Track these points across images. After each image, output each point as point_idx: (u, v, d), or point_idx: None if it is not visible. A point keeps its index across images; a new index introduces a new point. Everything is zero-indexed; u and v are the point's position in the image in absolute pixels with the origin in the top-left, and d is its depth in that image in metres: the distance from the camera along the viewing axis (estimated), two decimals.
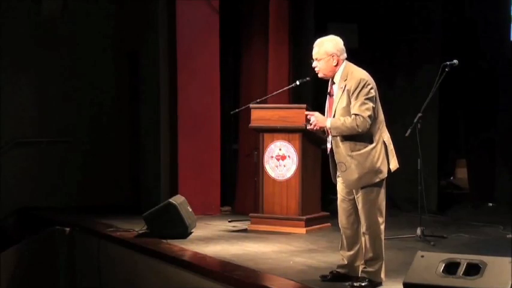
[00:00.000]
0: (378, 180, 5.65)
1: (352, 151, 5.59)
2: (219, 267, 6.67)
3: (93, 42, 10.96)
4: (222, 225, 8.87)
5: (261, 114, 8.45)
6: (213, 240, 7.93)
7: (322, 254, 7.04)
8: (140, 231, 8.12)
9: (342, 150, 5.62)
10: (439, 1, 9.80)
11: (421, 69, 9.51)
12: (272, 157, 8.43)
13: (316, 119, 5.66)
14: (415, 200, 8.21)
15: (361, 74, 5.65)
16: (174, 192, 9.07)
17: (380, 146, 5.67)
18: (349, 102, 5.57)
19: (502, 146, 10.11)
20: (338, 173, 5.76)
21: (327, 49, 5.69)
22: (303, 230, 8.26)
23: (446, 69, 7.63)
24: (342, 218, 5.82)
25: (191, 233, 8.15)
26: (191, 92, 9.58)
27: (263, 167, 8.48)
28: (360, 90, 5.55)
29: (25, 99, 10.69)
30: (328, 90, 5.77)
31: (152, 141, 9.90)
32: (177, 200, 8.14)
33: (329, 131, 5.66)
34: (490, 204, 10.05)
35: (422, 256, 5.25)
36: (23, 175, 10.62)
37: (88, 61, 10.92)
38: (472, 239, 7.82)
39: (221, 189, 9.82)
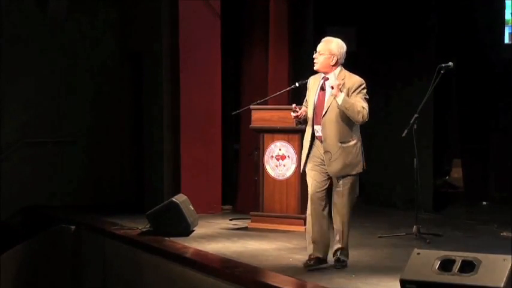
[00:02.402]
0: (356, 172, 6.29)
1: (340, 142, 6.19)
2: (221, 264, 6.74)
3: (97, 43, 10.98)
4: (223, 223, 8.91)
5: (261, 115, 8.52)
6: (215, 238, 7.98)
7: None
8: (144, 229, 8.18)
9: (332, 140, 6.19)
10: (436, 4, 9.88)
11: (418, 71, 9.50)
12: (272, 157, 8.51)
13: (339, 84, 6.11)
14: (411, 198, 8.32)
15: (359, 77, 6.26)
16: (176, 191, 9.10)
17: (360, 144, 6.33)
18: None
19: (496, 146, 10.20)
20: (317, 164, 6.27)
21: (331, 48, 6.24)
22: (302, 228, 8.13)
23: (442, 71, 7.71)
24: (315, 208, 6.31)
25: (193, 231, 8.20)
26: (193, 93, 9.61)
27: (263, 166, 8.55)
28: (361, 90, 6.21)
29: (30, 100, 10.68)
30: (321, 85, 6.29)
31: (155, 141, 9.93)
32: (180, 198, 8.18)
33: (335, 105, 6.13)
34: (484, 203, 10.12)
35: (418, 253, 5.30)
36: (29, 174, 10.61)
37: (92, 62, 10.93)
38: (466, 237, 7.89)
39: (222, 188, 9.83)
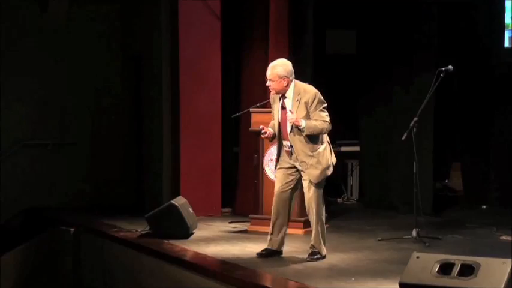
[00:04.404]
0: (329, 173, 6.83)
1: (311, 151, 6.71)
2: (220, 267, 6.76)
3: (97, 44, 10.98)
4: (222, 226, 8.92)
5: (261, 118, 8.42)
6: (214, 240, 7.99)
7: None
8: (143, 232, 8.21)
9: (304, 152, 6.70)
10: (436, 8, 9.88)
11: (418, 75, 9.52)
12: (272, 160, 8.39)
13: (296, 117, 6.66)
14: (411, 202, 8.30)
15: (313, 88, 6.79)
16: (176, 193, 9.11)
17: (327, 146, 6.84)
18: (307, 113, 6.67)
19: (496, 150, 10.21)
20: (284, 167, 6.86)
21: (278, 73, 6.75)
22: (301, 231, 8.32)
23: (442, 75, 7.74)
24: (278, 205, 6.94)
25: (192, 233, 8.22)
26: (193, 95, 9.62)
27: (263, 169, 8.54)
28: (318, 102, 6.71)
29: (30, 101, 10.69)
30: (281, 104, 6.82)
31: (155, 144, 9.94)
32: (179, 201, 8.20)
33: (299, 131, 6.68)
34: (484, 206, 10.14)
35: (417, 257, 5.32)
36: (29, 176, 10.64)
37: (92, 63, 10.92)
38: (466, 240, 7.90)
39: (222, 191, 9.84)
